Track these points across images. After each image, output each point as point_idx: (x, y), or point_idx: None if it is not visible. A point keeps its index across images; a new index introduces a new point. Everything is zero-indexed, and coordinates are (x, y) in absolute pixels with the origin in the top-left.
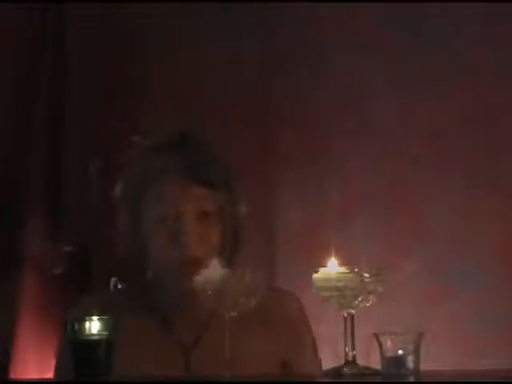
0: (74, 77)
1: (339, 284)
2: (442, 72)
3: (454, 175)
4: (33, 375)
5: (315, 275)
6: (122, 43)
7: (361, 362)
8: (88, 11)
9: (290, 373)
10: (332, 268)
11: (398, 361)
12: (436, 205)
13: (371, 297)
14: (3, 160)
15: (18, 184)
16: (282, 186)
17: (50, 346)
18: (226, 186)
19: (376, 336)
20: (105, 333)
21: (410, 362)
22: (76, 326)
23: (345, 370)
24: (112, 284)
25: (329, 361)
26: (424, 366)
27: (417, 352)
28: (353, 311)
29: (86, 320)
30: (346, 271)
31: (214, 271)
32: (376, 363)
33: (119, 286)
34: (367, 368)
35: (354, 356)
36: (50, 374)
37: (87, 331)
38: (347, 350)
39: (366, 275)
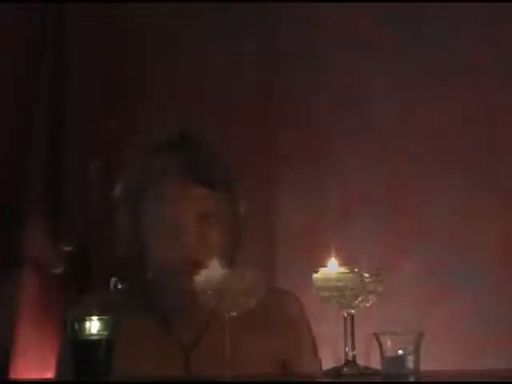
0: (74, 77)
1: (339, 284)
2: (442, 72)
3: (454, 175)
4: (33, 375)
5: (315, 275)
6: (122, 43)
7: (361, 362)
8: (88, 11)
9: (290, 373)
10: (332, 268)
11: (398, 361)
12: (436, 205)
13: (371, 297)
14: (3, 160)
15: (18, 184)
16: (282, 186)
17: (50, 346)
18: (225, 185)
19: (376, 336)
20: (105, 333)
21: (409, 362)
22: (76, 326)
23: (345, 370)
24: (112, 284)
25: (329, 361)
26: (424, 366)
27: (417, 352)
28: (353, 311)
29: (86, 320)
30: (346, 271)
31: (213, 271)
32: (376, 363)
33: (119, 286)
34: (367, 368)
35: (353, 356)
36: (50, 374)
37: (87, 331)
38: (347, 349)
39: (366, 275)
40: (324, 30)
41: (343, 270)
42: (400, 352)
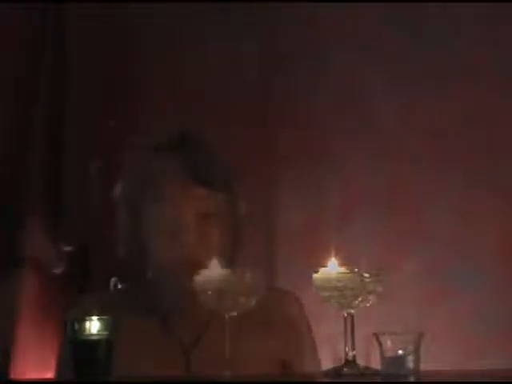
0: (74, 77)
1: (339, 284)
2: (442, 72)
3: (454, 175)
4: (33, 375)
5: (315, 275)
6: (122, 43)
7: (361, 362)
8: (88, 11)
9: (290, 373)
10: (332, 268)
11: (398, 361)
12: (436, 205)
13: (371, 297)
14: (3, 160)
15: (18, 184)
16: (282, 186)
17: (50, 346)
18: (225, 185)
19: (376, 336)
20: (105, 333)
21: (409, 362)
22: (76, 326)
23: (345, 370)
24: (112, 284)
25: (329, 361)
26: (424, 366)
27: (417, 352)
28: (353, 311)
29: (86, 320)
30: (346, 271)
31: (213, 271)
32: (376, 363)
33: (119, 286)
34: (367, 368)
35: (354, 356)
36: (50, 374)
37: (87, 331)
38: (347, 349)
39: (366, 275)
40: (324, 30)
41: (343, 270)
42: (400, 352)
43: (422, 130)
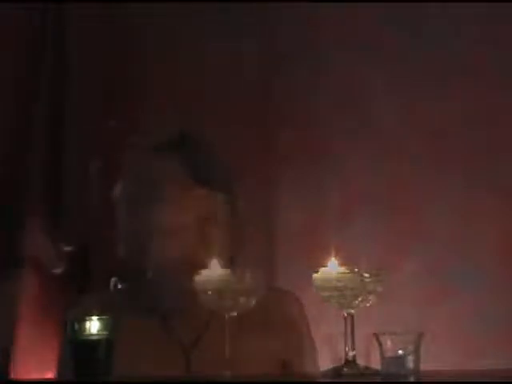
0: (74, 77)
1: (339, 284)
2: (442, 72)
3: (454, 175)
4: (33, 375)
5: (315, 275)
6: (122, 43)
7: (361, 362)
8: (88, 11)
9: (290, 373)
10: (332, 268)
11: (398, 361)
12: (436, 205)
13: (371, 297)
14: (3, 160)
15: (18, 184)
16: (282, 186)
17: (50, 346)
18: (225, 185)
19: (376, 336)
20: (105, 333)
21: (409, 362)
22: (76, 326)
23: (345, 370)
24: (112, 284)
25: (329, 361)
26: (424, 366)
27: (417, 352)
28: (353, 311)
29: (86, 320)
30: (346, 271)
31: (213, 271)
32: (376, 363)
33: (119, 286)
34: (367, 368)
35: (353, 356)
36: (50, 374)
37: (87, 331)
38: (347, 349)
39: (366, 275)
40: (324, 30)
41: (343, 270)
42: (400, 352)
43: (422, 130)
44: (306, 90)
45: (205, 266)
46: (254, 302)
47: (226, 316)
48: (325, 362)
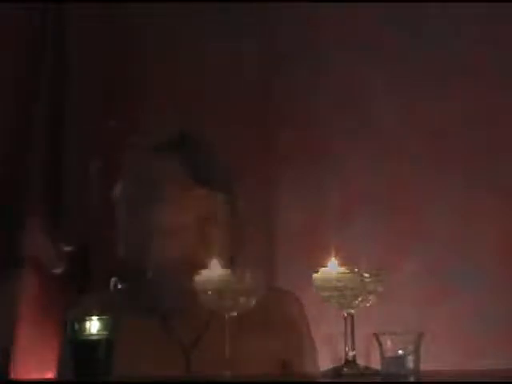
0: (74, 77)
1: (339, 284)
2: (442, 72)
3: (454, 175)
4: (33, 375)
5: (315, 275)
6: (122, 43)
7: (361, 362)
8: (88, 11)
9: (290, 373)
10: (332, 268)
11: (398, 361)
12: (436, 205)
13: (371, 297)
14: (3, 160)
15: (18, 184)
16: (282, 186)
17: (50, 346)
18: (225, 185)
19: (376, 336)
20: (105, 333)
21: (409, 362)
22: (76, 326)
23: (345, 370)
24: (112, 284)
25: (329, 361)
26: (424, 366)
27: (417, 352)
28: (353, 311)
29: (86, 320)
30: (346, 271)
31: (214, 271)
32: (376, 363)
33: (119, 286)
34: (367, 368)
35: (354, 356)
36: (50, 374)
37: (87, 331)
38: (347, 349)
39: (366, 275)
40: (324, 30)
41: (343, 270)
42: (400, 352)
43: (422, 130)
44: (306, 90)
45: (205, 266)
46: (253, 301)
47: (226, 316)
48: (325, 362)
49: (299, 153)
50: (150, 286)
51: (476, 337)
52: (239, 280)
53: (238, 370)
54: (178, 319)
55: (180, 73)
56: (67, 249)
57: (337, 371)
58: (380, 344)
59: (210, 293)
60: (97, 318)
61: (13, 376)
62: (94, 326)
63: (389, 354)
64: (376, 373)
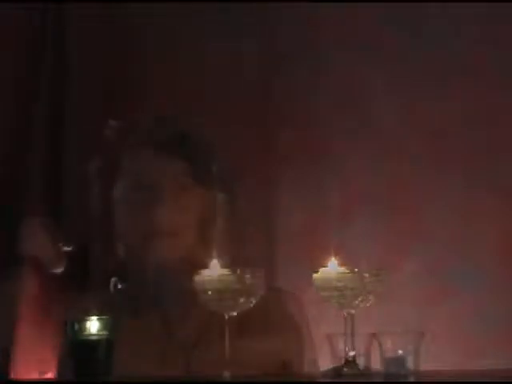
0: (74, 77)
1: (339, 284)
2: (442, 72)
3: (454, 175)
4: (33, 375)
5: (315, 275)
6: (122, 43)
7: (361, 362)
8: (88, 11)
9: (290, 373)
10: (332, 268)
11: (398, 361)
12: (436, 205)
13: (371, 297)
14: (3, 160)
15: (18, 184)
16: (282, 186)
17: (50, 346)
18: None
19: (376, 336)
20: (105, 333)
21: (409, 362)
22: (76, 326)
23: (345, 370)
24: (112, 284)
25: (329, 361)
26: (424, 366)
27: (417, 352)
28: (353, 311)
29: (85, 320)
30: (346, 271)
31: (213, 271)
32: (376, 363)
33: (119, 286)
34: (367, 368)
35: (354, 356)
36: (50, 374)
37: (87, 331)
38: (347, 349)
39: (366, 275)
40: (324, 30)
41: (343, 270)
42: (400, 352)
43: (422, 129)
44: (306, 90)
45: (205, 266)
46: (253, 301)
47: (226, 316)
48: (325, 362)
49: (299, 153)
50: (149, 286)
51: (476, 337)
52: (239, 280)
53: (237, 370)
54: (177, 319)
55: (180, 73)
56: (67, 249)
57: (337, 371)
58: (380, 344)
59: (209, 293)
60: (97, 317)
61: (13, 376)
62: (93, 325)
63: (389, 354)
64: (376, 373)
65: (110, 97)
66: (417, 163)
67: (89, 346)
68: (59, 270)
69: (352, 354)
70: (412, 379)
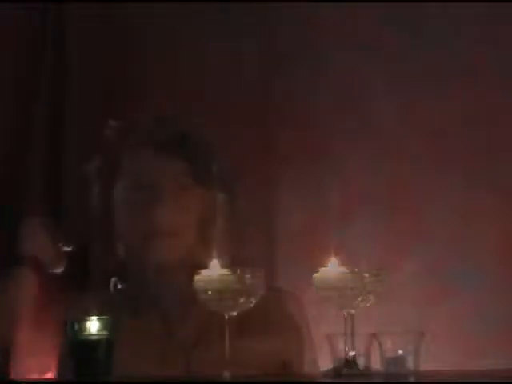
0: (74, 77)
1: (339, 284)
2: (442, 72)
3: (454, 175)
4: (33, 375)
5: (315, 275)
6: (122, 43)
7: (361, 362)
8: (88, 11)
9: (290, 373)
10: (332, 268)
11: (398, 361)
12: (436, 205)
13: (371, 297)
14: (3, 160)
15: (18, 184)
16: (282, 186)
17: (49, 346)
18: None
19: (376, 336)
20: (105, 333)
21: (409, 362)
22: (76, 326)
23: (345, 370)
24: (112, 284)
25: (329, 361)
26: (424, 366)
27: (417, 352)
28: (353, 311)
29: (85, 320)
30: (346, 271)
31: (213, 271)
32: (376, 363)
33: (119, 286)
34: (367, 368)
35: (353, 356)
36: (50, 374)
37: (87, 331)
38: (347, 349)
39: (366, 275)
40: (324, 30)
41: (343, 270)
42: (400, 352)
43: (422, 129)
44: (306, 89)
45: (205, 266)
46: (253, 301)
47: (226, 316)
48: (325, 362)
49: (299, 153)
50: (149, 286)
51: (476, 337)
52: (239, 280)
53: (237, 370)
54: (178, 319)
55: (180, 73)
56: (67, 249)
57: (337, 371)
58: (380, 344)
59: (209, 293)
60: (97, 317)
61: (13, 376)
62: (93, 325)
63: (389, 354)
64: (376, 373)
65: (110, 97)
66: (417, 163)
67: (89, 345)
68: (59, 270)
69: (352, 354)
70: (412, 379)
